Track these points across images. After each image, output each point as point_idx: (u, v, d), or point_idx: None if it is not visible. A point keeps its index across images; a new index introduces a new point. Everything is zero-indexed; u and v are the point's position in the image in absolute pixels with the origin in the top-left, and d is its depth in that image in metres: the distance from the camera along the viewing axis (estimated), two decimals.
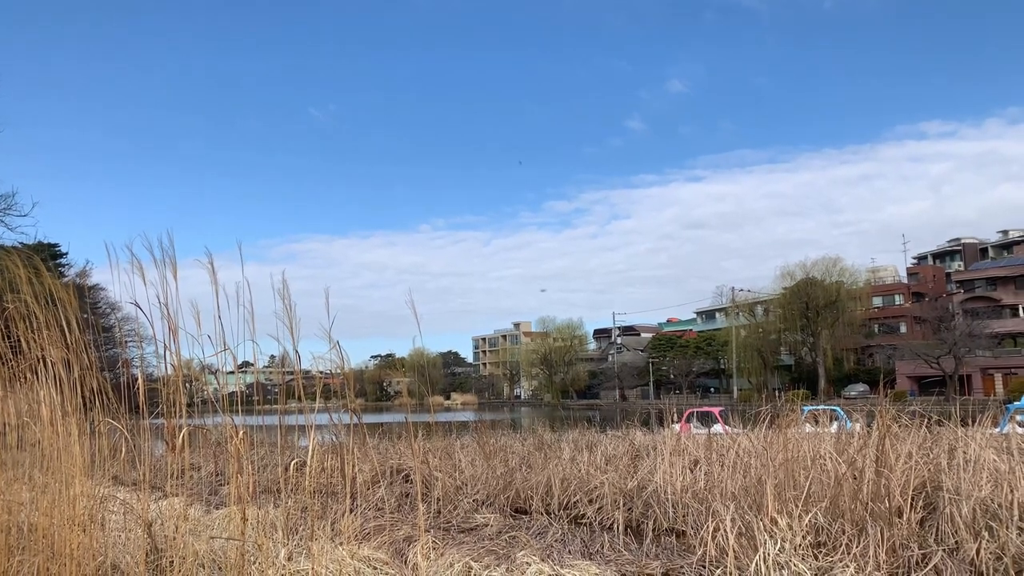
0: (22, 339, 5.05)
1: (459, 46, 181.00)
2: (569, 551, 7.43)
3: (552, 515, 9.91)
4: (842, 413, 16.48)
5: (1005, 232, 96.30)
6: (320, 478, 10.69)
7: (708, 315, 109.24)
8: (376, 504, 10.34)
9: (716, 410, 25.35)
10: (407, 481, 12.00)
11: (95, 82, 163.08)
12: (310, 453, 4.12)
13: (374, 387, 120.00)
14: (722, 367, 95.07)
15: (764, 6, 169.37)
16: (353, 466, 9.66)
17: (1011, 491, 6.84)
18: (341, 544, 6.84)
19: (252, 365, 4.89)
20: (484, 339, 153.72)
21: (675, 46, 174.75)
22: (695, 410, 25.51)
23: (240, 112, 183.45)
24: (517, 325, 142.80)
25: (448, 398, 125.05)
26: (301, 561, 6.01)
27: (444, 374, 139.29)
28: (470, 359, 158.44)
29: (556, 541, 8.11)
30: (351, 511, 8.80)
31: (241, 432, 4.03)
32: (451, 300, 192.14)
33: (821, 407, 15.18)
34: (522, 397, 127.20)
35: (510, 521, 9.58)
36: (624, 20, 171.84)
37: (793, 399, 9.68)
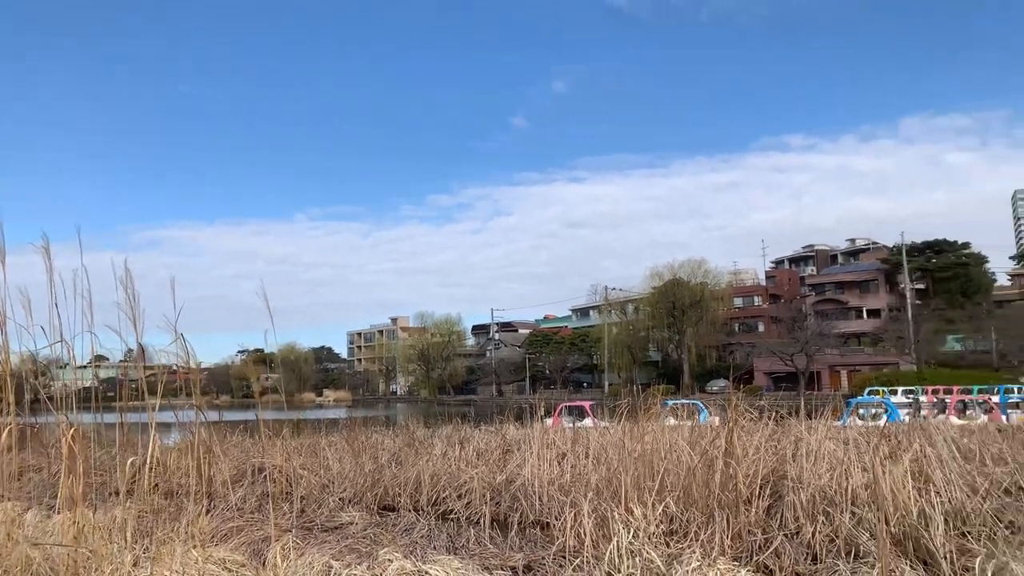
0: None
1: (344, 34, 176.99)
2: (434, 547, 7.40)
3: (420, 511, 9.85)
4: (702, 407, 17.30)
5: (853, 241, 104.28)
6: (175, 478, 10.16)
7: (583, 312, 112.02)
8: (236, 504, 9.93)
9: (586, 404, 25.99)
10: (270, 480, 11.60)
11: None
12: (150, 452, 3.87)
13: (241, 383, 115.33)
14: (595, 363, 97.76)
15: (646, 13, 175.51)
16: (210, 465, 9.24)
17: (846, 479, 7.38)
18: (195, 547, 6.52)
19: (94, 361, 4.56)
20: (360, 334, 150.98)
21: (559, 47, 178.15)
22: (566, 404, 26.07)
23: (107, 89, 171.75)
24: (394, 320, 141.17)
25: (320, 395, 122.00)
26: (148, 566, 5.67)
27: (316, 370, 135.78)
28: (344, 354, 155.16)
29: (422, 537, 8.07)
30: (207, 512, 8.41)
31: (72, 430, 3.74)
32: (327, 293, 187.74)
33: (683, 401, 15.86)
34: (398, 393, 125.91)
35: (376, 519, 9.45)
36: (507, 19, 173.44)
37: (656, 394, 10.07)
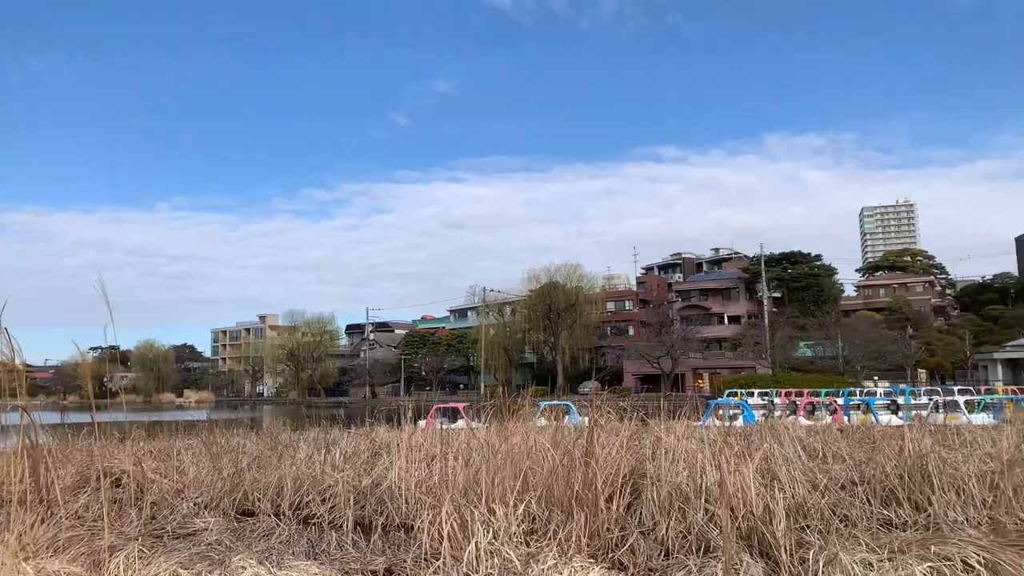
0: None
1: (218, 21, 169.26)
2: (293, 552, 7.15)
3: (281, 516, 9.49)
4: (573, 408, 17.69)
5: (717, 250, 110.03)
6: (6, 486, 9.34)
7: (461, 313, 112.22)
8: (77, 513, 9.24)
9: (461, 406, 26.01)
10: (118, 486, 10.87)
11: None
12: None
13: (93, 382, 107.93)
14: (472, 364, 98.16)
15: (529, 19, 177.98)
16: (48, 470, 8.58)
17: (701, 477, 7.72)
18: (26, 559, 6.03)
19: None
20: (225, 332, 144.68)
21: (443, 46, 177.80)
22: (440, 405, 25.99)
23: None
24: (263, 318, 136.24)
25: (181, 395, 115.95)
26: None
27: (177, 369, 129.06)
28: (208, 353, 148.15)
29: (281, 543, 7.78)
30: (43, 521, 7.79)
31: None
32: (191, 287, 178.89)
33: (555, 402, 16.16)
34: (265, 395, 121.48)
35: (234, 524, 9.04)
36: (391, 16, 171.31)
37: (528, 395, 10.19)
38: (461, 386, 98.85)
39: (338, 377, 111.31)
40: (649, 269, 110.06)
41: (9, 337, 3.81)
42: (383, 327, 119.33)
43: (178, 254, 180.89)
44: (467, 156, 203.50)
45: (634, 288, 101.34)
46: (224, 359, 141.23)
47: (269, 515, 9.55)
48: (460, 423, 20.67)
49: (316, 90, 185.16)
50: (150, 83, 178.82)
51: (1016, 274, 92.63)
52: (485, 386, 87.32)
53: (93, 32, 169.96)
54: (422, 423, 17.18)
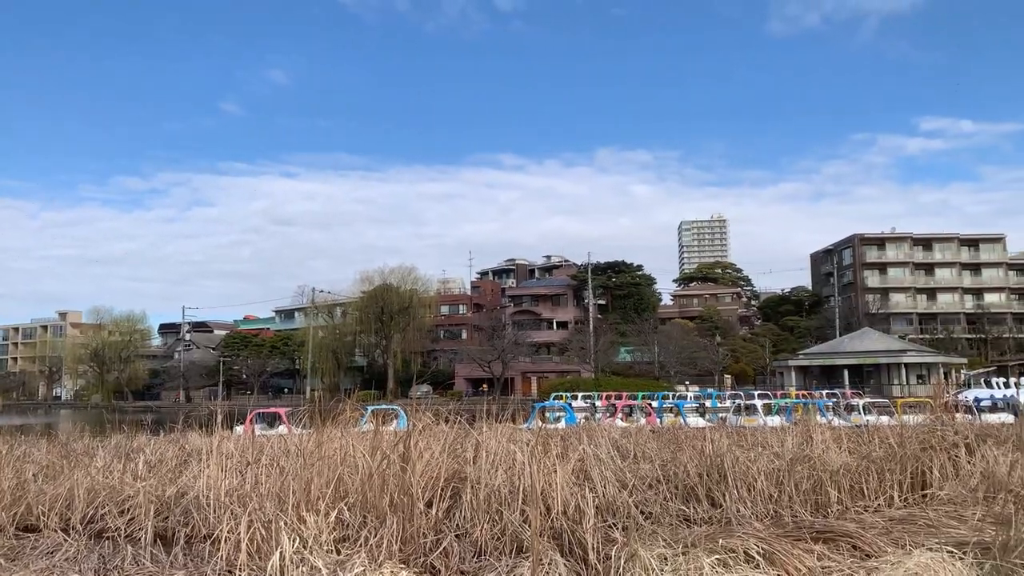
0: None
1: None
2: (80, 570, 6.56)
3: (71, 531, 8.67)
4: (402, 412, 17.52)
5: (549, 257, 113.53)
6: None
7: (287, 314, 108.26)
8: None
9: (282, 411, 25.08)
10: None
11: None
12: None
13: None
14: (298, 367, 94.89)
15: (372, 16, 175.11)
16: None
17: (519, 478, 7.89)
18: None
19: None
20: (17, 329, 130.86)
21: (278, 35, 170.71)
22: (260, 410, 24.93)
23: None
24: (63, 314, 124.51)
25: None
26: None
27: None
28: None
29: (67, 560, 7.10)
30: None
31: None
32: None
33: (383, 407, 15.95)
34: (63, 398, 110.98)
35: (12, 542, 8.15)
36: None
37: (354, 399, 9.96)
38: (286, 390, 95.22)
39: (149, 380, 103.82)
40: (484, 274, 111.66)
41: None
42: (201, 327, 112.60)
43: None
44: (302, 151, 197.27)
45: (469, 292, 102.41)
46: (15, 359, 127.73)
47: (56, 530, 8.70)
48: (281, 429, 19.90)
49: (134, 69, 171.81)
50: None
51: (810, 288, 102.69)
52: (311, 390, 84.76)
53: None
54: (240, 429, 16.37)
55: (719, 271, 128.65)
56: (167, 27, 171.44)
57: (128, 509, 9.25)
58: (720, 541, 5.33)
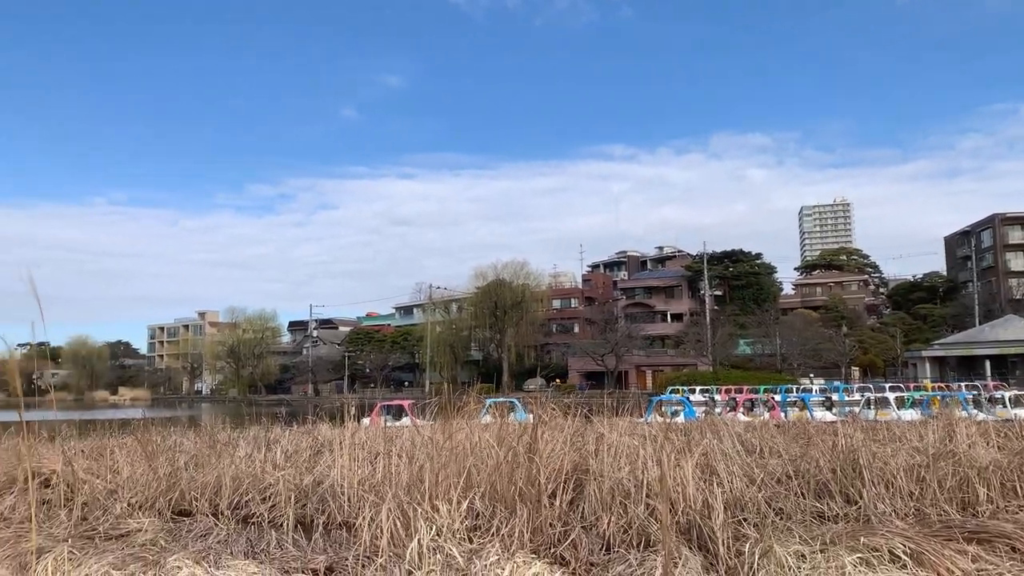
0: None
1: (160, 5, 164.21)
2: (231, 552, 7.01)
3: (220, 516, 9.30)
4: (519, 405, 17.73)
5: (661, 248, 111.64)
6: None
7: (406, 311, 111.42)
8: (3, 514, 8.91)
9: (407, 403, 25.86)
10: (47, 486, 10.51)
11: None
12: None
13: (22, 380, 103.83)
14: (417, 362, 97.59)
15: (482, 15, 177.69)
16: None
17: (643, 472, 7.84)
18: None
19: None
20: (163, 328, 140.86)
21: (394, 40, 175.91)
22: (385, 403, 25.81)
23: None
24: (202, 314, 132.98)
25: (115, 393, 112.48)
26: None
27: (111, 366, 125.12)
28: (144, 350, 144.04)
29: (218, 542, 7.63)
30: None
31: None
32: (127, 284, 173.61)
33: (501, 399, 16.20)
34: (204, 392, 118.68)
35: (170, 525, 8.82)
36: (342, 7, 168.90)
37: (474, 392, 10.18)
38: (406, 383, 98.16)
39: (280, 374, 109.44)
40: (595, 267, 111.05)
41: None
42: (327, 324, 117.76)
43: (113, 250, 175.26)
44: (418, 152, 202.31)
45: (580, 286, 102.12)
46: (161, 356, 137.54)
47: (207, 515, 9.35)
48: (405, 420, 20.55)
49: (264, 83, 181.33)
50: (86, 75, 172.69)
51: (944, 274, 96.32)
52: (430, 383, 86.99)
53: (39, 23, 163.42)
54: (367, 421, 17.03)
55: (844, 258, 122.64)
56: (290, 40, 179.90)
57: (269, 496, 9.83)
58: (862, 539, 5.11)
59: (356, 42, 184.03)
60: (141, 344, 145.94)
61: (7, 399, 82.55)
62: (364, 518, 5.83)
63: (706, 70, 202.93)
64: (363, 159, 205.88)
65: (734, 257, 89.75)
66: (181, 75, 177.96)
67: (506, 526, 5.72)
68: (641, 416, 15.96)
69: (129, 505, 9.68)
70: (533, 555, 5.25)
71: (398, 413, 24.74)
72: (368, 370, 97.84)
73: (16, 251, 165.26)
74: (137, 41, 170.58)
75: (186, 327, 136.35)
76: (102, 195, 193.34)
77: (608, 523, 6.35)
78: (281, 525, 8.46)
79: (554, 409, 8.94)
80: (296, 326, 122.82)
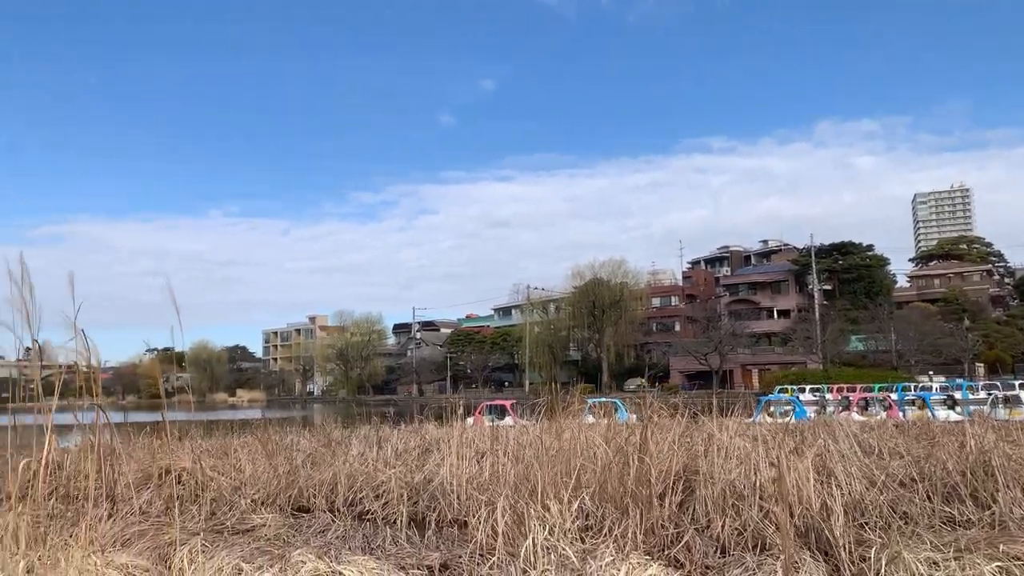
0: None
1: (264, 26, 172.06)
2: (349, 547, 7.28)
3: (336, 512, 9.67)
4: (620, 405, 17.60)
5: (766, 242, 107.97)
6: (74, 482, 9.67)
7: (505, 312, 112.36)
8: (141, 508, 9.54)
9: (508, 403, 26.11)
10: (179, 483, 11.18)
11: None
12: (45, 454, 3.67)
13: (149, 383, 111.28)
14: (516, 362, 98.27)
15: (573, 14, 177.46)
16: (113, 467, 8.86)
17: (755, 474, 7.64)
18: (94, 552, 6.23)
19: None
20: (276, 332, 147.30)
21: (487, 45, 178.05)
22: (488, 403, 26.12)
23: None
24: (312, 318, 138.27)
25: (234, 395, 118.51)
26: (43, 574, 5.40)
27: (230, 369, 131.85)
28: (259, 354, 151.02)
29: (337, 538, 7.93)
30: (110, 516, 8.04)
31: None
32: (242, 290, 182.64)
33: (602, 399, 16.11)
34: (315, 393, 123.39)
35: (291, 520, 9.23)
36: (434, 16, 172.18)
37: (576, 392, 10.17)
38: (506, 384, 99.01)
39: (386, 375, 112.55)
40: (695, 263, 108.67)
41: (86, 338, 3.95)
42: (429, 326, 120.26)
43: (229, 259, 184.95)
44: (513, 154, 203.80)
45: (680, 283, 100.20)
46: (275, 359, 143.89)
47: (324, 511, 9.74)
48: (508, 420, 20.75)
49: (363, 92, 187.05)
50: (198, 93, 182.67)
51: None
52: (530, 384, 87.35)
53: (147, 45, 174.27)
54: (470, 420, 17.28)
55: (964, 247, 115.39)
56: (389, 52, 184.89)
57: (382, 494, 10.15)
58: (1001, 547, 4.80)
59: (451, 49, 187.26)
60: (257, 348, 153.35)
61: (137, 401, 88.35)
62: (482, 518, 5.92)
63: (808, 57, 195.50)
64: (461, 163, 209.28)
65: (843, 249, 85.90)
66: (290, 89, 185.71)
67: (618, 527, 5.70)
68: (749, 416, 15.53)
69: (252, 501, 10.20)
70: (647, 556, 5.20)
71: (500, 413, 24.97)
72: (469, 371, 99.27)
73: (143, 262, 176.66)
74: (246, 57, 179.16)
75: (298, 331, 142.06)
76: (219, 207, 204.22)
77: (722, 525, 6.22)
78: (394, 522, 8.71)
79: (661, 409, 8.83)
80: (400, 328, 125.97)
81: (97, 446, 5.83)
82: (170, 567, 6.21)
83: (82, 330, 3.91)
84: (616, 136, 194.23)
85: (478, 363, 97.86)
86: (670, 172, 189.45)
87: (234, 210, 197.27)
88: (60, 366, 4.39)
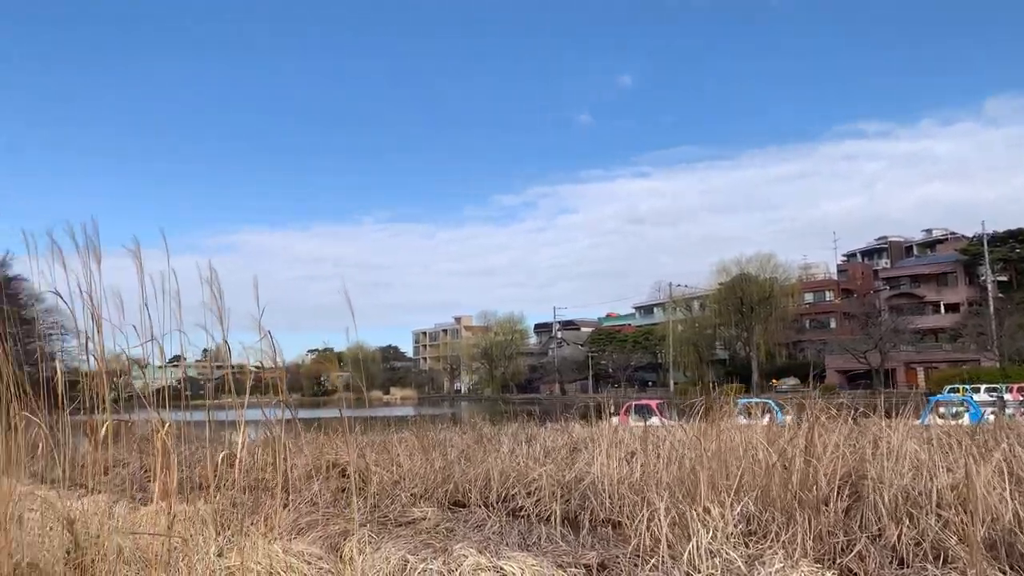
0: None
1: (400, 30, 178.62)
2: (506, 543, 7.43)
3: (490, 508, 9.91)
4: (775, 405, 16.92)
5: (929, 231, 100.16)
6: (252, 473, 10.47)
7: (646, 310, 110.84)
8: (311, 499, 10.17)
9: (654, 403, 25.74)
10: (343, 476, 11.84)
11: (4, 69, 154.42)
12: (240, 447, 4.00)
13: (311, 382, 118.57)
14: (659, 361, 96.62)
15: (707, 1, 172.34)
16: (286, 460, 9.49)
17: (931, 479, 7.12)
18: (274, 539, 6.69)
19: (182, 359, 4.73)
20: (425, 333, 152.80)
21: (621, 38, 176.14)
22: (634, 403, 25.86)
23: (168, 99, 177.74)
24: (458, 319, 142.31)
25: (387, 393, 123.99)
26: (232, 557, 5.86)
27: (383, 369, 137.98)
28: (410, 353, 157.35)
29: (494, 533, 8.12)
30: (285, 506, 8.64)
31: (167, 426, 3.89)
32: (392, 293, 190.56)
33: (755, 400, 15.56)
34: (462, 391, 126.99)
35: (448, 514, 9.55)
36: (569, 11, 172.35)
37: (728, 392, 9.85)
38: (649, 383, 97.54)
39: (528, 374, 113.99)
40: (851, 256, 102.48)
41: (272, 339, 4.28)
42: (569, 325, 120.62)
43: (380, 263, 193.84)
44: (650, 150, 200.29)
45: (834, 277, 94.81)
46: (424, 358, 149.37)
47: (479, 506, 10.00)
48: (654, 420, 20.46)
49: (506, 96, 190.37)
50: (348, 102, 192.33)
51: None
52: (675, 383, 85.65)
53: (289, 63, 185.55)
54: (615, 420, 17.18)
55: None
56: (527, 55, 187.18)
57: (533, 491, 10.29)
58: None
59: (588, 48, 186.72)
60: (407, 348, 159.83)
61: (300, 399, 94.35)
62: (644, 518, 5.87)
63: (977, 28, 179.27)
64: (599, 162, 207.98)
65: (1021, 236, 78.20)
66: (434, 96, 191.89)
67: (785, 532, 5.48)
68: (915, 418, 14.49)
69: (411, 495, 10.64)
70: (817, 564, 4.97)
71: (647, 413, 24.64)
72: (611, 370, 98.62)
73: (302, 268, 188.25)
74: (388, 67, 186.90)
75: (444, 331, 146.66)
76: (370, 214, 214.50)
77: (898, 535, 5.84)
78: (548, 519, 8.81)
79: (824, 409, 8.41)
80: (541, 328, 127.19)
81: (280, 440, 6.25)
82: (341, 556, 6.58)
83: (268, 331, 4.23)
84: (759, 125, 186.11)
85: (620, 362, 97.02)
86: (818, 160, 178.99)
87: (383, 216, 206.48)
88: (249, 366, 4.78)
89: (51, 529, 6.80)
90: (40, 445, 4.79)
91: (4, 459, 4.87)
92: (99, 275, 4.20)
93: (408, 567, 5.96)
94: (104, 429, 4.17)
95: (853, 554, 5.47)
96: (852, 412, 10.05)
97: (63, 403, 4.65)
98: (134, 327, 4.34)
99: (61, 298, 4.32)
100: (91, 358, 4.51)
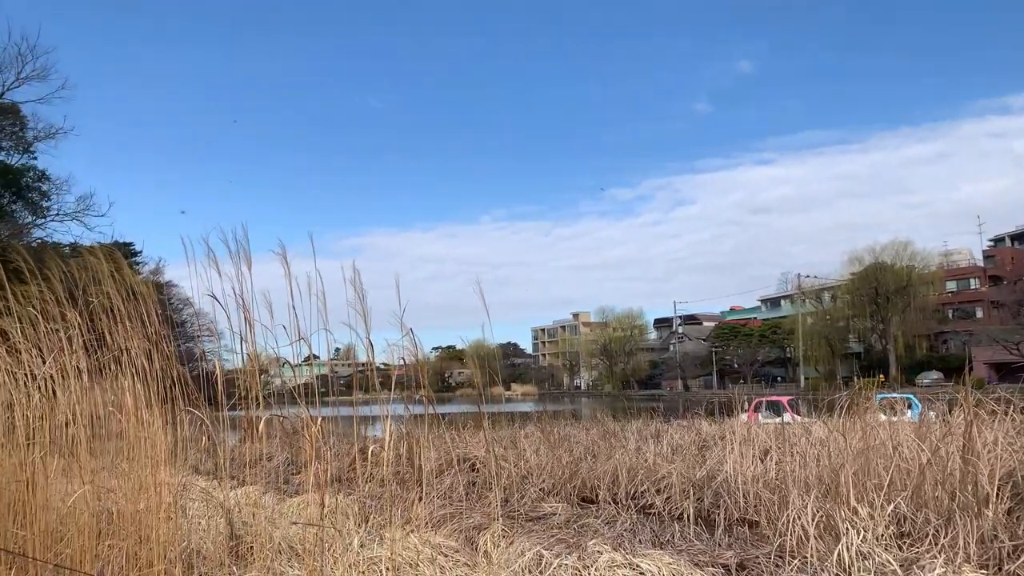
0: (105, 332, 5.23)
1: (512, 29, 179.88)
2: (639, 540, 7.36)
3: (619, 504, 9.83)
4: (916, 401, 15.92)
5: None
6: (389, 467, 10.85)
7: (773, 302, 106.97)
8: (444, 492, 10.44)
9: (785, 399, 24.82)
10: (473, 470, 12.07)
11: (158, 77, 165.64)
12: (387, 441, 4.15)
13: (436, 378, 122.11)
14: (788, 356, 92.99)
15: None
16: (421, 455, 9.77)
17: None
18: (412, 532, 6.90)
19: (317, 358, 4.96)
20: (543, 330, 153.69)
21: (737, 21, 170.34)
22: (763, 399, 25.03)
23: (300, 105, 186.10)
24: (576, 315, 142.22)
25: (508, 389, 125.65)
26: (375, 548, 6.09)
27: (504, 365, 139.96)
28: (529, 350, 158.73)
29: (625, 530, 8.05)
30: (420, 499, 8.91)
31: (318, 421, 4.09)
32: (510, 291, 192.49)
33: (894, 395, 14.69)
34: (582, 388, 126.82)
35: (577, 510, 9.55)
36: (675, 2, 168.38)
37: (868, 387, 9.31)
38: (778, 379, 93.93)
39: (649, 370, 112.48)
40: (999, 240, 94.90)
41: (414, 336, 4.44)
42: (691, 320, 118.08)
43: (499, 261, 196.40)
44: (773, 135, 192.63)
45: (980, 264, 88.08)
46: (543, 355, 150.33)
47: (608, 503, 9.95)
48: (785, 417, 19.71)
49: (618, 86, 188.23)
50: (463, 102, 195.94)
51: None
52: (806, 379, 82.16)
53: (406, 67, 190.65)
54: (743, 417, 16.68)
55: None
56: (637, 46, 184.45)
57: (663, 488, 10.14)
58: None
59: (702, 35, 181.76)
60: (527, 344, 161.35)
61: (425, 394, 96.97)
62: (783, 518, 5.67)
63: None
64: (717, 151, 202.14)
65: None
66: (549, 93, 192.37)
67: (944, 535, 5.14)
68: None
69: (540, 490, 10.72)
70: (982, 570, 4.63)
71: (777, 409, 23.78)
72: (736, 365, 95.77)
73: (426, 268, 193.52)
74: (506, 67, 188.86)
75: (563, 328, 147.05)
76: (487, 213, 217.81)
77: None
78: (680, 516, 8.66)
79: (984, 405, 7.84)
80: (661, 323, 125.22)
81: (412, 436, 6.44)
82: (476, 549, 6.70)
83: (410, 329, 4.38)
84: (891, 105, 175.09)
85: (745, 357, 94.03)
86: (957, 140, 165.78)
87: (501, 215, 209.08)
88: (393, 364, 4.97)
89: (210, 518, 7.32)
90: (203, 439, 5.15)
91: (169, 451, 5.27)
92: (250, 278, 4.47)
93: (543, 562, 6.00)
94: (261, 424, 4.43)
95: (1022, 560, 5.06)
96: (1011, 407, 9.32)
97: (222, 400, 4.98)
98: (283, 327, 4.59)
99: (217, 301, 4.63)
100: (244, 356, 4.81)
